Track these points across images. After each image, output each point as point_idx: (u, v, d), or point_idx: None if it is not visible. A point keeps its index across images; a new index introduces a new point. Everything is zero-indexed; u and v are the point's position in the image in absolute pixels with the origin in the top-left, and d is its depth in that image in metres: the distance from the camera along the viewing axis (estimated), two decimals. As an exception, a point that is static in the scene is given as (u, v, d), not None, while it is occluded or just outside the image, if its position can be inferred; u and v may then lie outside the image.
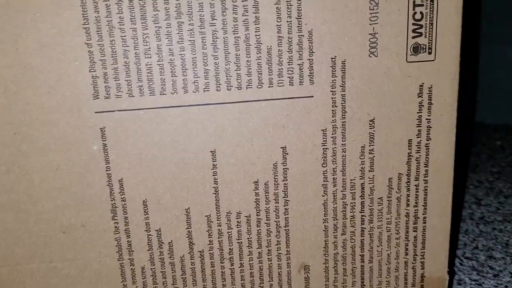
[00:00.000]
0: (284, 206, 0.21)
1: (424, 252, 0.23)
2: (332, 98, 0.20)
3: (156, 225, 0.21)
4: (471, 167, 0.41)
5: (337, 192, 0.22)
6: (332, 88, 0.20)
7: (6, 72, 0.17)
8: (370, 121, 0.20)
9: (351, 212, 0.22)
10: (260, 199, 0.21)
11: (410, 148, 0.21)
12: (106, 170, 0.20)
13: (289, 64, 0.19)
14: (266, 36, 0.18)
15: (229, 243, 0.22)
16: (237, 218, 0.21)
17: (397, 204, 0.22)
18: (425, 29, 0.19)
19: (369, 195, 0.22)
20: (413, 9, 0.19)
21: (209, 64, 0.18)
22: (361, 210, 0.22)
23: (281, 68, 0.19)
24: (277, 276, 0.23)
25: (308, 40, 0.19)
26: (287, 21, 0.18)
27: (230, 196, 0.21)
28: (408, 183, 0.22)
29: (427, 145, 0.21)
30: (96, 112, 0.18)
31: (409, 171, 0.22)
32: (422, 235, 0.23)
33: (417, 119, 0.21)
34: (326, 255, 0.23)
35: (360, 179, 0.21)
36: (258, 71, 0.19)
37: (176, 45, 0.18)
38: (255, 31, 0.18)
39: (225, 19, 0.18)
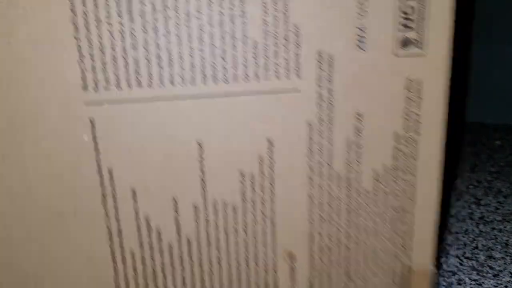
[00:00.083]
0: (270, 196, 0.22)
1: (410, 244, 0.23)
2: (318, 92, 0.20)
3: (145, 213, 0.21)
4: (470, 167, 0.41)
5: (323, 184, 0.22)
6: (318, 82, 0.20)
7: None
8: (357, 115, 0.20)
9: (337, 204, 0.22)
10: (246, 190, 0.22)
11: (398, 142, 0.21)
12: (96, 160, 0.20)
13: (275, 58, 0.19)
14: (252, 30, 0.18)
15: (216, 232, 0.22)
16: (223, 208, 0.22)
17: (384, 197, 0.22)
18: (416, 24, 0.19)
19: (356, 188, 0.22)
20: (403, 3, 0.19)
21: (195, 58, 0.18)
22: (348, 202, 0.22)
23: (268, 62, 0.19)
24: (263, 264, 0.23)
25: (295, 34, 0.19)
26: (274, 15, 0.18)
27: (217, 186, 0.21)
28: (396, 177, 0.22)
29: (415, 139, 0.21)
30: (85, 104, 0.19)
31: (396, 165, 0.22)
32: (409, 228, 0.23)
33: (406, 113, 0.21)
34: (312, 245, 0.23)
35: (347, 172, 0.21)
36: (244, 65, 0.19)
37: (163, 39, 0.18)
38: (241, 25, 0.18)
39: (211, 13, 0.18)
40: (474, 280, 0.26)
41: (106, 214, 0.21)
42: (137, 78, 0.19)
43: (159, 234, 0.22)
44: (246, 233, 0.22)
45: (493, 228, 0.31)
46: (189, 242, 0.22)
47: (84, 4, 0.17)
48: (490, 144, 0.47)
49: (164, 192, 0.21)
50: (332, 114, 0.21)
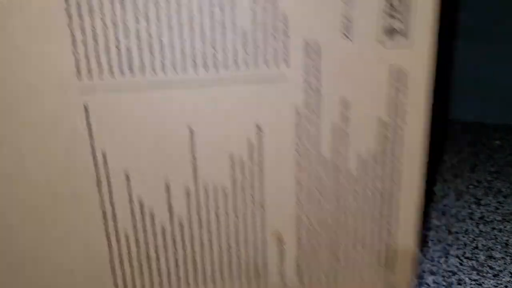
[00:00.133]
0: (259, 180, 0.22)
1: (395, 227, 0.24)
2: (306, 79, 0.20)
3: (138, 196, 0.22)
4: (470, 167, 0.41)
5: (310, 168, 0.22)
6: (306, 70, 0.20)
7: None
8: (344, 102, 0.21)
9: (324, 188, 0.23)
10: (236, 174, 0.22)
11: (383, 128, 0.22)
12: (90, 145, 0.21)
13: (264, 47, 0.20)
14: (242, 19, 0.19)
15: (207, 214, 0.23)
16: (214, 191, 0.22)
17: (370, 182, 0.23)
18: (401, 13, 0.20)
19: (342, 172, 0.23)
20: None
21: (186, 46, 0.19)
22: (335, 186, 0.23)
23: (257, 51, 0.20)
24: (253, 246, 0.24)
25: (283, 24, 0.19)
26: (263, 5, 0.19)
27: (207, 170, 0.22)
28: (381, 162, 0.23)
29: (400, 126, 0.22)
30: (79, 90, 0.20)
31: (382, 151, 0.22)
32: (394, 211, 0.24)
33: (391, 101, 0.22)
34: (300, 228, 0.24)
35: (333, 157, 0.22)
36: (234, 54, 0.20)
37: (154, 27, 0.19)
38: (231, 14, 0.19)
39: (201, 2, 0.18)
40: (474, 280, 0.26)
41: (101, 198, 0.22)
42: (130, 66, 0.19)
43: (152, 216, 0.23)
44: (236, 216, 0.23)
45: (493, 228, 0.31)
46: (181, 225, 0.23)
47: None
48: (490, 144, 0.46)
49: (156, 176, 0.22)
50: (319, 101, 0.21)
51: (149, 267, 0.24)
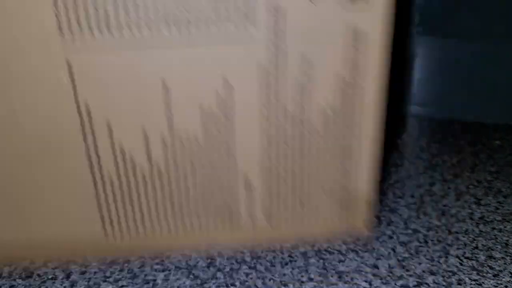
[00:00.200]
0: (229, 131, 0.25)
1: (355, 176, 0.27)
2: (272, 40, 0.23)
3: (120, 145, 0.25)
4: (470, 167, 0.41)
5: (277, 122, 0.25)
6: (272, 31, 0.23)
7: None
8: (307, 61, 0.24)
9: (289, 139, 0.26)
10: (207, 125, 0.25)
11: (344, 86, 0.25)
12: (74, 98, 0.23)
13: (233, 9, 0.22)
14: None
15: (182, 161, 0.25)
16: (188, 139, 0.25)
17: (332, 135, 0.26)
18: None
19: (306, 126, 0.26)
20: None
21: (159, 6, 0.21)
22: (299, 137, 0.26)
23: (226, 13, 0.22)
24: (225, 191, 0.26)
25: None
26: None
27: (181, 120, 0.24)
28: (342, 117, 0.26)
29: (360, 84, 0.25)
30: (62, 47, 0.22)
31: (343, 107, 0.25)
32: (353, 162, 0.27)
33: (352, 61, 0.24)
34: (270, 177, 0.27)
35: (297, 111, 0.25)
36: (204, 14, 0.22)
37: None
38: None
39: None
40: (474, 280, 0.26)
41: (86, 146, 0.24)
42: (107, 24, 0.21)
43: (133, 163, 0.25)
44: (209, 163, 0.26)
45: (493, 228, 0.31)
46: (159, 170, 0.26)
47: None
48: (490, 144, 0.46)
49: (135, 127, 0.24)
50: (284, 59, 0.23)
51: (132, 206, 0.26)
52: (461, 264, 0.27)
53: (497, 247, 0.29)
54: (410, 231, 0.31)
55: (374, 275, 0.26)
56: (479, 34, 0.49)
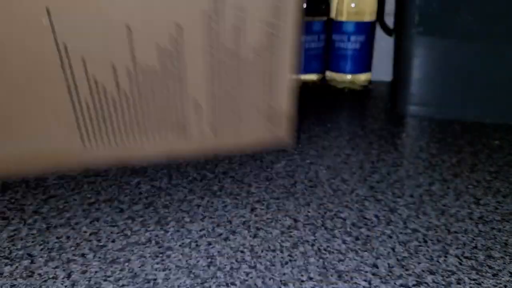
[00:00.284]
0: (181, 64, 0.33)
1: (277, 96, 0.37)
2: None
3: (93, 76, 0.32)
4: (469, 167, 0.41)
5: (219, 56, 0.34)
6: None
7: None
8: (241, 8, 0.32)
9: (229, 69, 0.35)
10: (163, 58, 0.32)
11: (270, 28, 0.34)
12: (54, 38, 0.29)
13: None
14: None
15: (144, 88, 0.33)
16: (148, 71, 0.32)
17: (261, 65, 0.35)
18: None
19: (242, 59, 0.35)
20: None
21: None
22: (237, 68, 0.35)
23: None
24: (179, 110, 0.35)
25: None
26: None
27: (142, 55, 0.32)
28: (270, 51, 0.35)
29: (282, 26, 0.34)
30: None
31: (270, 44, 0.35)
32: (277, 85, 0.37)
33: (276, 8, 0.33)
34: (213, 99, 0.36)
35: (234, 48, 0.34)
36: None
37: None
38: None
39: None
40: (474, 279, 0.26)
41: (65, 77, 0.31)
42: None
43: (104, 90, 0.33)
44: (166, 89, 0.34)
45: (493, 228, 0.31)
46: (126, 95, 0.33)
47: None
48: (490, 144, 0.46)
49: (105, 61, 0.31)
50: (222, 7, 0.31)
51: (105, 124, 0.34)
52: (460, 264, 0.27)
53: (496, 247, 0.29)
54: (409, 231, 0.31)
55: (373, 274, 0.26)
56: (479, 34, 0.49)
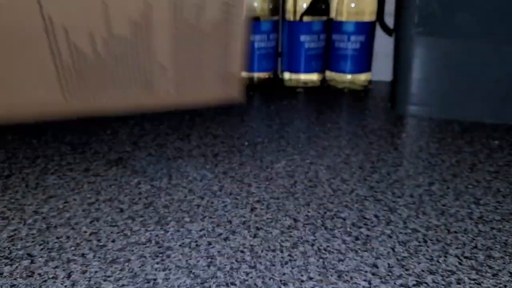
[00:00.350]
0: (149, 33, 0.41)
1: (231, 61, 0.45)
2: None
3: (74, 44, 0.40)
4: (469, 167, 0.41)
5: (182, 28, 0.42)
6: None
7: None
8: None
9: (190, 39, 0.43)
10: (134, 29, 0.40)
11: (225, 6, 0.43)
12: (40, 12, 0.36)
13: None
14: None
15: (119, 52, 0.41)
16: (122, 39, 0.40)
17: (218, 36, 0.44)
18: None
19: (202, 31, 0.43)
20: None
21: None
22: (197, 38, 0.44)
23: None
24: (147, 70, 0.43)
25: None
26: None
27: (116, 26, 0.39)
28: (225, 25, 0.43)
29: (235, 5, 0.43)
30: None
31: (225, 19, 0.43)
32: (232, 52, 0.45)
33: None
34: (176, 62, 0.44)
35: (196, 22, 0.42)
36: None
37: None
38: None
39: None
40: (473, 279, 0.26)
41: (50, 43, 0.38)
42: None
43: (84, 55, 0.40)
44: (136, 53, 0.41)
45: (492, 228, 0.31)
46: (102, 59, 0.41)
47: None
48: (489, 144, 0.46)
49: (85, 30, 0.39)
50: None
51: (83, 82, 0.41)
52: (460, 264, 0.27)
53: (496, 247, 0.29)
54: (409, 231, 0.31)
55: (373, 274, 0.26)
56: (478, 35, 0.49)
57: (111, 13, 0.38)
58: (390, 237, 0.30)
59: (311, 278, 0.26)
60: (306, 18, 0.62)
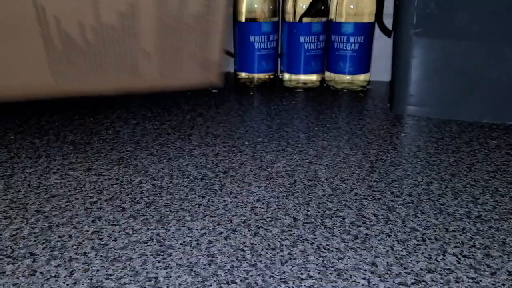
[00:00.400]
0: (136, 23, 0.45)
1: (212, 48, 0.50)
2: None
3: (65, 31, 0.43)
4: (467, 166, 0.41)
5: (164, 17, 0.45)
6: None
7: None
8: None
9: (175, 28, 0.46)
10: (121, 19, 0.44)
11: (205, 1, 0.47)
12: (33, 1, 0.40)
13: None
14: None
15: (108, 40, 0.45)
16: (110, 29, 0.44)
17: (199, 25, 0.48)
18: None
19: (184, 20, 0.46)
20: None
21: None
22: (178, 27, 0.47)
23: None
24: (133, 57, 0.47)
25: None
26: None
27: (104, 15, 0.43)
28: (205, 17, 0.47)
29: (216, 0, 0.47)
30: None
31: (204, 12, 0.47)
32: (212, 40, 0.49)
33: None
34: (160, 49, 0.47)
35: (177, 13, 0.46)
36: None
37: None
38: None
39: None
40: (472, 278, 0.26)
41: (42, 30, 0.42)
42: None
43: (75, 42, 0.44)
44: (123, 42, 0.45)
45: (491, 227, 0.31)
46: (91, 45, 0.44)
47: None
48: (487, 143, 0.47)
49: (75, 19, 0.42)
50: None
51: (74, 65, 0.45)
52: (458, 263, 0.27)
53: (494, 246, 0.29)
54: (408, 230, 0.31)
55: (372, 272, 0.27)
56: (476, 35, 0.49)
57: (101, 5, 0.42)
58: (389, 236, 0.30)
59: (310, 277, 0.26)
60: (305, 19, 0.63)
